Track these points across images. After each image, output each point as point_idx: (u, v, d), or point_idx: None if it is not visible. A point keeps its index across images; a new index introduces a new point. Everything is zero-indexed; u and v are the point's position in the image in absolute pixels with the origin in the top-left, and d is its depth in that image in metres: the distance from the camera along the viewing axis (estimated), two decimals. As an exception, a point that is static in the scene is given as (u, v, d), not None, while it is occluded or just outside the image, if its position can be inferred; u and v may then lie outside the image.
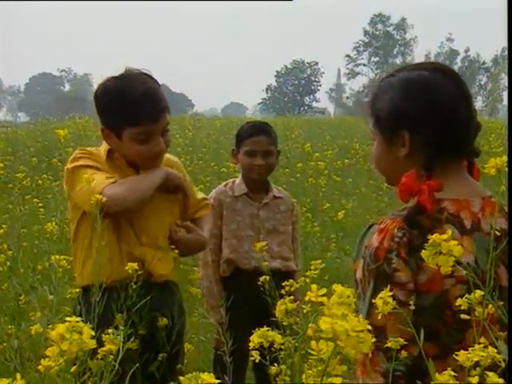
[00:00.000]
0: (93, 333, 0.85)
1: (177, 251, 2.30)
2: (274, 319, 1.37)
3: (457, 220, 1.35)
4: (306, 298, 0.86)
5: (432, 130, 1.40)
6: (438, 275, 1.27)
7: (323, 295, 0.84)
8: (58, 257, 1.93)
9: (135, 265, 2.01)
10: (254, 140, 3.01)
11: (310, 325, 0.83)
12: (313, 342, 0.85)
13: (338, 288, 0.82)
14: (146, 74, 2.23)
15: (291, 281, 2.12)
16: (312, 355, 0.85)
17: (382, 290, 1.17)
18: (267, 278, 2.24)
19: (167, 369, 2.21)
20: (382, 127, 1.48)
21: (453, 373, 0.92)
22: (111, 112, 2.19)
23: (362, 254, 1.37)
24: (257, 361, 1.14)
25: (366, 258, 1.35)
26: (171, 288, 2.35)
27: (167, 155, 2.46)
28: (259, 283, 2.23)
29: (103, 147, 2.28)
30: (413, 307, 1.20)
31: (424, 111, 1.41)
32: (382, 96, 1.48)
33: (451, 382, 0.90)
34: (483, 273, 1.27)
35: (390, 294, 1.00)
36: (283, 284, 2.12)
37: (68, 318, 0.84)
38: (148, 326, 2.18)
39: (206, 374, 0.79)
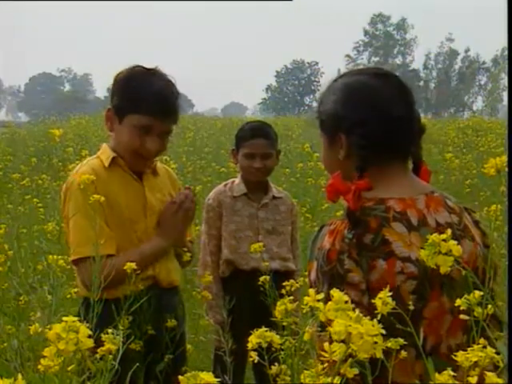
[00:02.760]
0: (90, 332, 0.84)
1: (189, 254, 2.32)
2: (273, 319, 1.37)
3: (404, 217, 1.39)
4: (304, 302, 0.86)
5: (365, 132, 1.43)
6: (389, 273, 1.33)
7: (320, 300, 0.84)
8: (55, 257, 1.92)
9: (133, 265, 2.01)
10: (253, 143, 2.99)
11: (306, 329, 0.83)
12: (325, 344, 0.84)
13: (335, 293, 0.81)
14: (171, 80, 2.27)
15: (292, 281, 2.11)
16: (322, 356, 0.84)
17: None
18: (267, 278, 2.24)
19: (173, 370, 2.22)
20: (324, 130, 1.54)
21: (452, 373, 0.92)
22: (123, 95, 2.21)
23: (315, 256, 1.40)
24: (255, 361, 1.14)
25: (319, 260, 1.38)
26: (176, 292, 2.39)
27: (169, 168, 2.48)
28: (259, 283, 2.23)
29: (105, 154, 2.26)
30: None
31: (358, 114, 1.45)
32: (325, 100, 1.54)
33: (451, 381, 0.90)
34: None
35: (389, 294, 1.00)
36: (283, 284, 2.12)
37: (65, 318, 0.84)
38: (156, 326, 2.20)
39: (205, 373, 0.79)
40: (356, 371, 0.85)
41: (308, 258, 1.45)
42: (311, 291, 0.88)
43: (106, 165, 2.22)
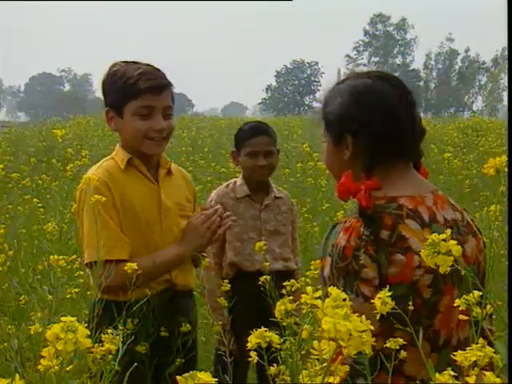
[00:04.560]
0: (88, 332, 0.84)
1: (208, 259, 2.32)
2: (275, 320, 1.37)
3: (416, 214, 1.44)
4: (302, 300, 0.87)
5: (372, 134, 1.48)
6: (408, 267, 1.38)
7: (318, 298, 0.84)
8: (56, 257, 1.92)
9: (134, 265, 2.01)
10: (255, 141, 2.98)
11: (305, 326, 0.83)
12: (315, 342, 0.85)
13: (333, 291, 0.82)
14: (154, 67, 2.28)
15: (292, 281, 2.11)
16: (313, 355, 0.85)
17: (352, 286, 1.34)
18: (268, 278, 2.24)
19: (184, 373, 2.22)
20: (329, 130, 1.58)
21: (453, 373, 0.92)
22: (114, 89, 2.22)
23: (328, 252, 1.44)
24: (254, 361, 1.14)
25: (333, 256, 1.42)
26: (191, 295, 2.40)
27: (185, 171, 2.47)
28: (260, 283, 2.23)
29: (120, 155, 2.26)
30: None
31: (365, 116, 1.50)
32: (331, 101, 1.58)
33: (451, 381, 0.90)
34: None
35: (389, 294, 1.01)
36: (284, 284, 2.12)
37: (63, 318, 0.84)
38: (170, 329, 2.20)
39: (202, 372, 0.79)
40: (346, 369, 0.86)
41: (321, 254, 1.48)
42: (309, 289, 0.89)
43: (122, 167, 2.21)
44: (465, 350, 1.43)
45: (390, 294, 1.19)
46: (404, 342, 1.16)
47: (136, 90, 2.16)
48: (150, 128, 2.19)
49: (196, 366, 2.36)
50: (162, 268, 2.19)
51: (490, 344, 1.52)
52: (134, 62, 2.26)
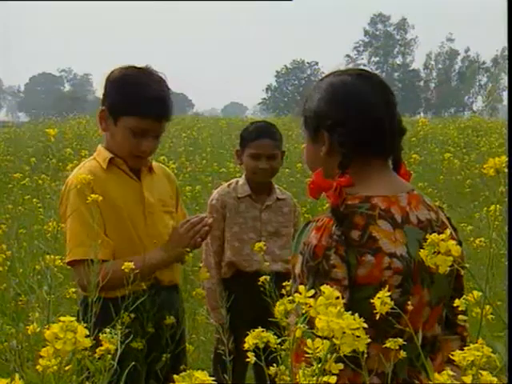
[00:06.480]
0: (87, 332, 0.84)
1: (191, 254, 2.33)
2: (273, 320, 1.37)
3: (388, 215, 1.43)
4: (296, 300, 0.87)
5: (347, 131, 1.47)
6: (377, 268, 1.39)
7: (311, 297, 0.84)
8: (52, 256, 1.92)
9: (131, 264, 2.01)
10: (259, 143, 2.96)
11: (298, 325, 0.83)
12: (308, 341, 0.85)
13: (326, 289, 0.82)
14: (163, 77, 2.28)
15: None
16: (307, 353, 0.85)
17: (321, 285, 1.28)
18: (267, 278, 2.24)
19: (172, 368, 2.23)
20: (308, 127, 1.58)
21: (451, 372, 0.92)
22: (117, 97, 2.21)
23: (300, 250, 1.44)
24: (252, 362, 1.14)
25: (304, 255, 1.42)
26: (177, 290, 2.41)
27: (167, 168, 2.50)
28: (259, 284, 2.23)
29: (102, 155, 2.27)
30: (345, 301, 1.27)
31: (340, 113, 1.50)
32: (311, 98, 1.58)
33: (449, 381, 0.90)
34: (415, 262, 1.40)
35: (388, 293, 1.00)
36: (284, 284, 2.11)
37: (62, 318, 0.84)
38: (156, 324, 2.22)
39: (199, 371, 0.79)
40: (341, 366, 0.86)
41: (293, 251, 1.48)
42: (301, 288, 0.88)
43: (104, 167, 2.23)
44: (433, 347, 1.48)
45: (358, 295, 1.18)
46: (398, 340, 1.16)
47: (140, 112, 2.16)
48: (139, 148, 2.21)
49: (184, 359, 2.40)
50: (145, 271, 2.19)
51: (464, 340, 1.57)
52: (147, 72, 2.24)
